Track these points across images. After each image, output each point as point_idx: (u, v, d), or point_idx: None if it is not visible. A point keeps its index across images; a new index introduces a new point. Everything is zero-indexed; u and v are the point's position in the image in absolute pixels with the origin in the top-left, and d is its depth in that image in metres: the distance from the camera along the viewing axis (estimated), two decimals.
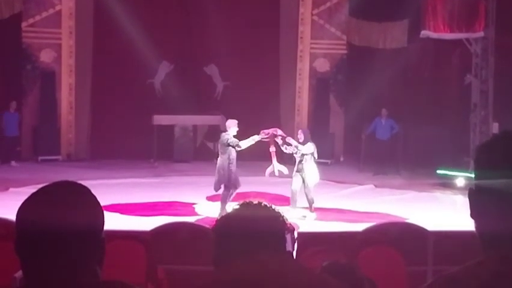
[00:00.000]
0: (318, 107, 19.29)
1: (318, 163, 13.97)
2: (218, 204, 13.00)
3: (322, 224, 11.58)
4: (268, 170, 12.27)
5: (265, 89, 19.10)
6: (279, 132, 12.03)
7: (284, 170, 12.10)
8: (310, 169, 12.01)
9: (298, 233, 7.30)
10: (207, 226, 7.13)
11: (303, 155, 11.91)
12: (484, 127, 16.82)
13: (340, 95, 19.60)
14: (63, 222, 1.81)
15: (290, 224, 2.37)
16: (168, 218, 9.99)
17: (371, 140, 17.96)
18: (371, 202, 13.84)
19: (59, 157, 18.42)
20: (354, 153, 18.50)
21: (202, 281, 2.12)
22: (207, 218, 11.53)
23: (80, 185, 1.94)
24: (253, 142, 11.85)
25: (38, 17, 18.29)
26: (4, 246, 5.32)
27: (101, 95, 18.64)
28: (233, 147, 11.65)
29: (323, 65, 19.62)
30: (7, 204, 10.06)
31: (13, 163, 17.33)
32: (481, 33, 16.42)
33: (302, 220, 12.08)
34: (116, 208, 12.23)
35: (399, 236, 7.13)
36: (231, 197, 11.79)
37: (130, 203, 13.23)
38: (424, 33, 16.67)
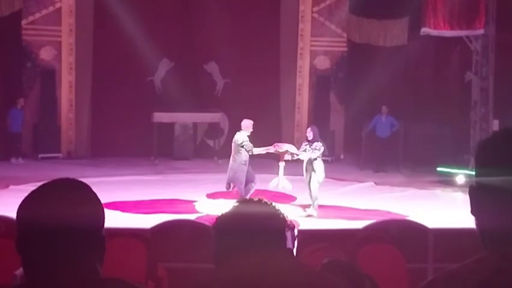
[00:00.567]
0: (318, 105, 19.28)
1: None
2: (218, 201, 13.02)
3: (322, 222, 11.58)
4: (273, 183, 12.62)
5: (266, 86, 19.09)
6: (292, 149, 12.34)
7: (288, 186, 12.55)
8: (319, 167, 12.23)
9: (299, 231, 7.30)
10: (207, 224, 7.13)
11: (312, 153, 12.12)
12: (484, 124, 16.81)
13: (340, 92, 19.59)
14: (63, 220, 1.81)
15: (290, 221, 2.36)
16: (168, 216, 9.98)
17: (371, 137, 17.96)
18: (371, 199, 13.85)
19: (60, 155, 18.41)
20: (355, 150, 18.50)
21: (202, 278, 2.12)
22: (207, 215, 11.54)
23: (81, 182, 1.94)
24: (265, 152, 12.22)
25: (38, 15, 18.27)
26: (4, 243, 5.33)
27: (102, 92, 18.62)
28: (246, 150, 11.87)
29: (323, 63, 19.60)
30: (7, 201, 10.07)
31: (19, 160, 17.35)
32: (481, 31, 16.41)
33: (303, 217, 12.13)
34: (116, 206, 12.24)
35: (399, 234, 7.13)
36: (251, 192, 11.90)
37: (130, 200, 13.24)
38: (424, 30, 16.65)
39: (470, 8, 16.25)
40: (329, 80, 19.55)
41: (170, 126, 18.85)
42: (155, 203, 13.11)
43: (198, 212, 12.38)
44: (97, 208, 1.92)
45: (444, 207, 12.96)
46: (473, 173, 1.83)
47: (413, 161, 17.76)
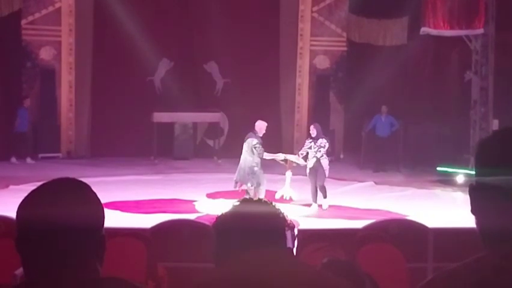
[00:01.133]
0: (318, 104, 19.29)
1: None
2: (218, 201, 13.04)
3: (322, 221, 11.58)
4: (279, 193, 12.84)
5: (265, 86, 19.09)
6: (300, 161, 12.60)
7: (294, 196, 12.80)
8: (325, 164, 12.51)
9: (299, 230, 7.30)
10: (207, 223, 7.13)
11: (317, 150, 12.37)
12: (484, 124, 16.81)
13: (340, 92, 19.59)
14: (63, 220, 1.81)
15: (290, 221, 2.37)
16: (168, 216, 9.99)
17: (371, 137, 17.97)
18: (371, 199, 13.85)
19: (59, 154, 18.41)
20: (354, 150, 18.50)
21: (202, 278, 2.12)
22: (207, 215, 11.54)
23: (81, 182, 1.94)
24: (273, 158, 12.51)
25: (37, 15, 18.27)
26: (4, 243, 5.33)
27: (101, 92, 18.62)
28: (257, 153, 11.97)
29: (322, 62, 19.61)
30: (7, 201, 10.07)
31: (28, 159, 17.38)
32: (481, 30, 16.40)
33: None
34: (116, 205, 12.24)
35: (399, 233, 7.13)
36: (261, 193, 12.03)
37: (130, 200, 13.24)
38: (424, 30, 16.65)
39: (469, 8, 16.25)
40: (328, 80, 19.56)
41: (170, 126, 18.85)
42: (155, 202, 13.11)
43: (197, 212, 12.38)
44: (96, 208, 1.92)
45: (444, 207, 12.96)
46: (473, 172, 1.83)
47: (413, 160, 17.75)
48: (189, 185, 14.94)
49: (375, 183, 15.87)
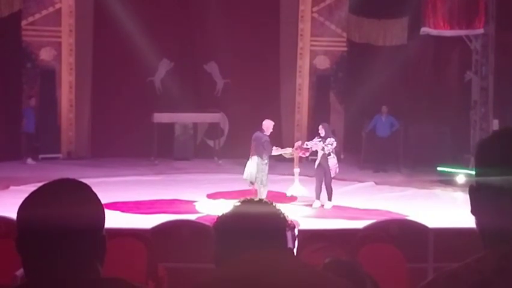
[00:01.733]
0: (318, 105, 19.29)
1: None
2: (219, 201, 13.04)
3: (322, 221, 11.58)
4: (290, 190, 13.12)
5: (266, 86, 19.10)
6: (308, 149, 12.88)
7: (304, 192, 13.05)
8: (332, 163, 12.69)
9: (299, 230, 7.30)
10: (208, 224, 7.13)
11: (324, 148, 12.62)
12: (484, 124, 16.81)
13: (340, 92, 19.59)
14: (64, 220, 1.81)
15: (291, 221, 2.37)
16: (169, 216, 9.98)
17: (371, 137, 17.97)
18: (371, 199, 13.85)
19: (60, 155, 18.42)
20: (355, 150, 18.50)
21: (203, 278, 2.12)
22: (208, 215, 11.53)
23: (81, 182, 1.94)
24: (281, 154, 12.74)
25: (37, 15, 18.28)
26: (5, 244, 5.32)
27: (102, 93, 18.63)
28: (266, 150, 12.16)
29: (323, 62, 19.61)
30: (8, 202, 10.07)
31: (29, 160, 17.39)
32: (481, 30, 16.41)
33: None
34: (116, 206, 12.24)
35: (399, 233, 7.13)
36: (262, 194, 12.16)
37: (130, 201, 13.24)
38: (424, 30, 16.66)
39: (469, 8, 16.25)
40: (328, 80, 19.56)
41: (171, 126, 18.85)
42: (156, 203, 13.11)
43: (198, 212, 12.38)
44: (97, 208, 1.92)
45: (445, 207, 12.95)
46: (473, 172, 1.83)
47: (413, 160, 17.75)
48: (189, 185, 14.94)
49: (376, 183, 15.86)
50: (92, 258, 1.88)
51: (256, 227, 2.12)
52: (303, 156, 13.36)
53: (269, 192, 12.59)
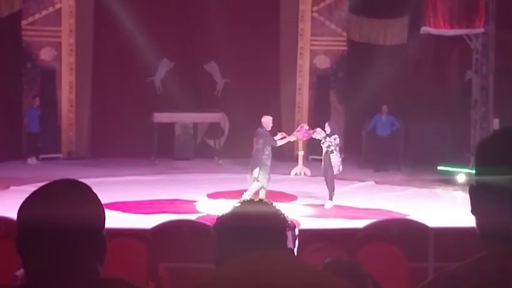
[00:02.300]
0: (318, 104, 19.28)
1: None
2: (219, 201, 13.05)
3: (323, 221, 11.58)
4: (294, 170, 13.48)
5: (266, 86, 19.09)
6: (311, 133, 13.13)
7: (308, 172, 13.39)
8: (334, 161, 12.86)
9: (299, 230, 7.30)
10: (208, 224, 7.13)
11: (329, 146, 12.84)
12: (484, 123, 16.81)
13: (340, 91, 19.58)
14: (64, 220, 1.81)
15: (291, 221, 2.37)
16: (169, 216, 9.99)
17: (371, 136, 17.96)
18: (371, 199, 13.85)
19: (60, 155, 18.42)
20: (355, 150, 18.49)
21: (203, 278, 2.12)
22: (208, 215, 11.54)
23: (81, 183, 1.94)
24: (286, 141, 13.06)
25: (37, 15, 18.27)
26: (5, 244, 5.32)
27: (102, 93, 18.62)
28: (270, 143, 12.46)
29: (323, 62, 19.60)
30: (8, 202, 10.07)
31: (30, 160, 17.40)
32: (481, 29, 16.40)
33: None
34: (117, 206, 12.24)
35: (400, 233, 7.13)
36: (260, 192, 12.30)
37: (130, 200, 13.24)
38: (424, 29, 16.65)
39: (470, 7, 16.25)
40: (329, 80, 19.55)
41: (171, 126, 18.85)
42: (156, 203, 13.11)
43: (198, 212, 12.38)
44: (97, 208, 1.92)
45: (445, 206, 12.95)
46: (474, 171, 1.83)
47: (414, 160, 17.75)
48: (190, 185, 14.94)
49: (376, 182, 15.87)
50: (92, 258, 1.88)
51: (256, 227, 2.12)
52: (304, 139, 13.48)
53: (269, 191, 12.59)
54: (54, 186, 1.91)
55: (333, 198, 13.11)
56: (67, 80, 18.58)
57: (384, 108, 17.70)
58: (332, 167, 12.84)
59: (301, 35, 19.40)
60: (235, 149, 17.44)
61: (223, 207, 2.27)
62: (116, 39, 17.98)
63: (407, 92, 18.88)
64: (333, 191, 13.03)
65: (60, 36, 18.47)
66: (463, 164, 15.87)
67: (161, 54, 18.91)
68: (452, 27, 16.44)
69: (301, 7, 19.28)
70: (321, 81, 19.48)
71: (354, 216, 11.93)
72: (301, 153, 13.36)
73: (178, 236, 7.05)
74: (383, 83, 17.89)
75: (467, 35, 16.89)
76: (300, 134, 13.20)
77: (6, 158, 17.25)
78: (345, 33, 19.42)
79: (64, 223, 1.81)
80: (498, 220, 1.71)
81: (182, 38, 19.33)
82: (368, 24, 19.23)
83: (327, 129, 13.06)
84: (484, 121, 16.86)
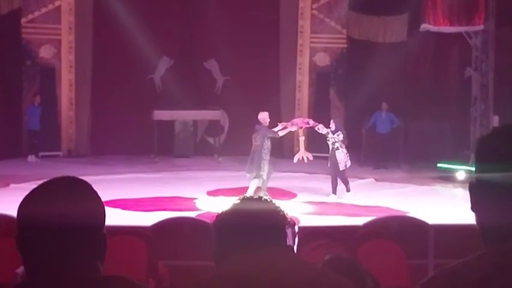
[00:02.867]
0: (318, 101, 19.29)
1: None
2: (219, 199, 13.04)
3: (323, 218, 11.59)
4: (297, 156, 13.59)
5: (265, 83, 19.08)
6: (311, 123, 13.34)
7: (310, 156, 13.51)
8: (339, 157, 13.08)
9: (299, 228, 7.30)
10: (208, 221, 7.13)
11: (334, 142, 13.13)
12: (484, 120, 16.80)
13: (340, 89, 19.58)
14: (64, 218, 1.81)
15: (291, 218, 2.37)
16: (169, 213, 9.99)
17: (371, 134, 17.96)
18: (371, 196, 13.86)
19: (60, 153, 18.43)
20: (355, 147, 18.45)
21: (203, 276, 2.12)
22: (208, 212, 11.53)
23: (81, 180, 1.94)
24: (287, 131, 13.19)
25: (37, 13, 18.27)
26: (5, 242, 5.33)
27: (101, 90, 18.63)
28: (274, 138, 12.69)
29: (322, 59, 19.60)
30: (8, 200, 10.06)
31: (30, 158, 17.41)
32: (481, 27, 16.39)
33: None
34: (117, 204, 12.24)
35: (399, 230, 7.13)
36: (263, 186, 12.50)
37: (130, 198, 13.24)
38: (424, 26, 16.63)
39: (469, 4, 16.23)
40: (328, 77, 19.55)
41: (171, 123, 18.85)
42: (156, 200, 13.11)
43: (198, 210, 12.37)
44: (97, 206, 1.92)
45: (445, 204, 12.95)
46: (474, 169, 1.83)
47: (413, 157, 17.75)
48: (190, 182, 14.94)
49: (376, 180, 15.87)
50: (92, 256, 1.88)
51: (255, 225, 2.12)
52: (303, 127, 13.57)
53: (269, 189, 12.59)
54: (54, 183, 1.91)
55: (331, 196, 13.17)
56: (66, 78, 18.59)
57: (384, 105, 17.70)
58: (338, 163, 13.08)
59: (301, 32, 19.40)
60: (235, 146, 17.43)
61: (223, 204, 2.27)
62: (115, 37, 17.98)
63: (406, 90, 18.87)
64: (348, 183, 13.46)
65: (60, 34, 18.47)
66: (463, 161, 15.88)
67: (161, 51, 18.91)
68: (451, 24, 16.42)
69: (301, 4, 19.27)
70: (320, 79, 19.48)
71: (354, 213, 11.93)
72: (302, 138, 13.46)
73: (178, 234, 7.05)
74: (382, 81, 17.89)
75: (467, 33, 16.88)
76: (299, 121, 13.41)
77: (6, 156, 17.25)
78: (344, 31, 19.41)
79: (64, 221, 1.81)
80: (498, 217, 1.71)
81: (182, 36, 19.32)
82: (367, 21, 19.22)
83: (332, 126, 13.32)
84: (484, 118, 16.85)
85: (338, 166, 13.18)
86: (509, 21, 16.36)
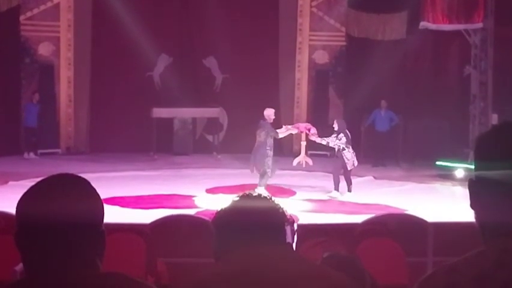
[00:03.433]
0: (317, 99, 19.29)
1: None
2: (218, 196, 13.05)
3: (321, 216, 11.59)
4: (296, 160, 13.70)
5: (264, 81, 19.08)
6: (313, 131, 13.37)
7: (310, 161, 13.62)
8: (346, 156, 13.16)
9: (298, 225, 7.30)
10: (207, 218, 7.13)
11: (338, 144, 13.17)
12: (483, 118, 16.81)
13: (339, 86, 19.58)
14: (63, 215, 1.81)
15: (290, 215, 2.37)
16: (168, 211, 9.97)
17: (370, 131, 17.97)
18: (370, 194, 13.86)
19: (59, 150, 18.42)
20: (354, 145, 18.44)
21: (202, 273, 2.12)
22: (207, 210, 11.53)
23: (80, 177, 1.93)
24: (288, 133, 13.38)
25: (36, 10, 18.25)
26: (4, 239, 5.33)
27: (100, 88, 18.62)
28: (272, 136, 12.73)
29: (322, 57, 19.59)
30: (7, 197, 10.07)
31: (30, 154, 17.41)
32: (480, 24, 16.39)
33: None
34: (115, 201, 12.24)
35: (398, 228, 7.14)
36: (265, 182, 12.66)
37: (129, 195, 13.24)
38: (423, 24, 16.63)
39: (468, 2, 16.23)
40: (327, 75, 19.55)
41: (170, 121, 18.85)
42: (155, 198, 13.11)
43: (197, 207, 12.37)
44: (96, 203, 1.92)
45: (444, 201, 12.96)
46: (473, 166, 1.83)
47: (412, 155, 17.76)
48: (188, 180, 14.94)
49: (375, 177, 15.87)
50: (91, 253, 1.88)
51: (255, 222, 2.12)
52: (305, 132, 13.63)
53: (268, 186, 12.60)
54: (53, 180, 1.91)
55: (347, 194, 13.26)
56: (65, 75, 18.58)
57: (383, 103, 17.70)
58: (346, 163, 13.13)
59: (300, 30, 19.39)
60: (234, 144, 17.44)
61: (222, 202, 2.27)
62: (114, 34, 17.97)
63: (405, 87, 18.87)
64: (351, 184, 13.44)
65: (58, 31, 18.45)
66: (462, 159, 15.88)
67: (160, 49, 18.90)
68: (450, 22, 16.42)
69: (300, 2, 19.27)
70: (320, 76, 19.48)
71: (352, 211, 11.94)
72: (303, 143, 13.52)
73: (177, 231, 7.06)
74: (381, 78, 17.89)
75: (466, 30, 16.88)
76: (302, 126, 13.51)
77: (5, 153, 17.25)
78: (344, 28, 19.41)
79: (63, 218, 1.80)
80: (497, 214, 1.71)
81: (181, 33, 19.32)
82: (366, 19, 19.22)
83: (335, 126, 13.32)
84: (483, 116, 16.86)
85: (346, 165, 13.19)
86: (508, 19, 16.37)
